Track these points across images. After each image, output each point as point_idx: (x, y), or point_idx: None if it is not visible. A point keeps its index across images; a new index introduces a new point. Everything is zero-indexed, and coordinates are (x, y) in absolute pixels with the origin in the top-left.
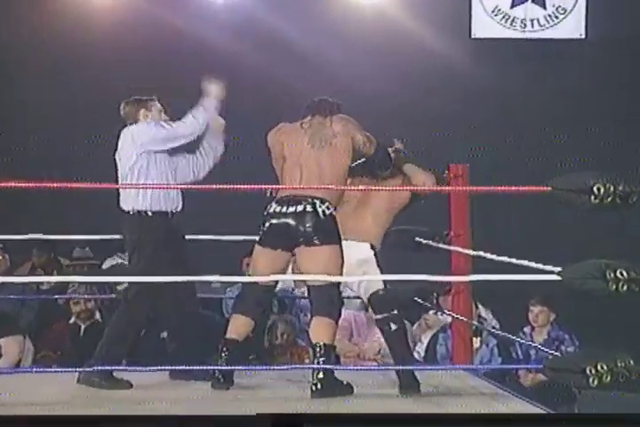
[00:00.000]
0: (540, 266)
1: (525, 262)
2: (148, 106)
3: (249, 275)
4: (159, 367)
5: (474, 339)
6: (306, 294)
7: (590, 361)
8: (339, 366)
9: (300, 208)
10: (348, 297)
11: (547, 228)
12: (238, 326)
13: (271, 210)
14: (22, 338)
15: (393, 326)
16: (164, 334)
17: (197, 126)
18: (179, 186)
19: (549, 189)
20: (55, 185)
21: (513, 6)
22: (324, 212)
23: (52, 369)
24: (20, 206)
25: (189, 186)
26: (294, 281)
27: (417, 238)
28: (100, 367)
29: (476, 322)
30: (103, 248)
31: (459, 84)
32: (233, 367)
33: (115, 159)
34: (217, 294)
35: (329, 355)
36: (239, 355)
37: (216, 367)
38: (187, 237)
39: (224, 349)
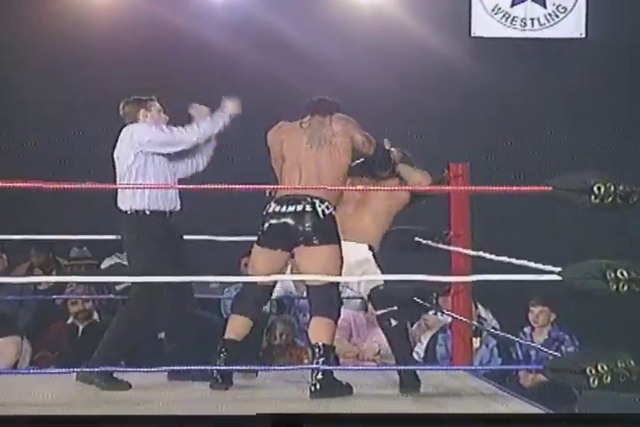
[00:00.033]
0: (541, 266)
1: (525, 262)
2: (148, 106)
3: (247, 275)
4: (157, 368)
5: (473, 339)
6: (304, 294)
7: (590, 362)
8: (338, 367)
9: (299, 208)
10: (348, 297)
11: (547, 227)
12: (237, 327)
13: (270, 210)
14: (20, 339)
15: (393, 322)
16: (162, 335)
17: (198, 136)
18: (177, 186)
19: (550, 188)
20: (53, 186)
21: (513, 5)
22: (323, 211)
23: (50, 370)
24: (19, 206)
25: (188, 186)
26: (294, 284)
27: (416, 238)
28: (97, 368)
29: (475, 322)
30: (101, 248)
31: (458, 83)
32: (231, 368)
33: (113, 157)
34: (215, 295)
35: (328, 355)
36: (238, 355)
37: (214, 368)
38: (185, 237)
39: (222, 349)
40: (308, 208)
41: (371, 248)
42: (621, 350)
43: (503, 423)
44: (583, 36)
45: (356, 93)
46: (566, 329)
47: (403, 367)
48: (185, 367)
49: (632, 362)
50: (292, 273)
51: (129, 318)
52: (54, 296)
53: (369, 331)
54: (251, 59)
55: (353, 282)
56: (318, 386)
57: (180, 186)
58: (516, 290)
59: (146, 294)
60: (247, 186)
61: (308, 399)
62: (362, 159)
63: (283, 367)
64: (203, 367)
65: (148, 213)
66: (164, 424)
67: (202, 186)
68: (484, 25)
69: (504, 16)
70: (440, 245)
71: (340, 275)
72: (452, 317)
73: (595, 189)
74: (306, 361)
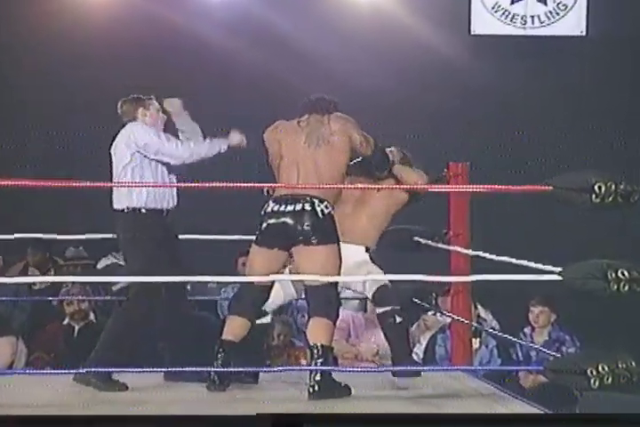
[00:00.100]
0: (541, 266)
1: (526, 262)
2: (146, 105)
3: (244, 275)
4: (154, 369)
5: (473, 340)
6: (303, 295)
7: (591, 362)
8: (336, 368)
9: (298, 207)
10: (346, 298)
11: (547, 227)
12: (234, 328)
13: (268, 209)
14: (15, 339)
15: (398, 319)
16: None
17: (189, 155)
18: (175, 184)
19: (550, 187)
20: (49, 184)
21: (513, 3)
22: (322, 211)
23: (46, 371)
24: (16, 206)
25: (186, 184)
26: (295, 288)
27: (416, 238)
28: (93, 369)
29: (475, 323)
30: (98, 248)
31: (458, 80)
32: (229, 369)
33: (110, 154)
34: (212, 295)
35: (326, 356)
36: (241, 360)
37: (212, 369)
38: (181, 236)
39: (220, 350)
40: (307, 207)
41: (367, 250)
42: (622, 350)
43: (503, 424)
44: (584, 33)
45: (354, 91)
46: (567, 330)
47: (402, 368)
48: (182, 369)
49: (633, 363)
50: (290, 273)
51: (126, 318)
52: (50, 298)
53: (367, 332)
54: (248, 57)
55: (357, 283)
56: (317, 387)
57: (178, 184)
58: (516, 290)
59: (144, 294)
60: (245, 184)
61: (306, 401)
62: (359, 158)
63: (281, 368)
64: (200, 369)
65: (144, 211)
66: (162, 424)
67: (199, 184)
68: (484, 23)
69: (504, 14)
70: (439, 245)
71: (339, 275)
72: (452, 317)
73: (595, 188)
74: (304, 362)
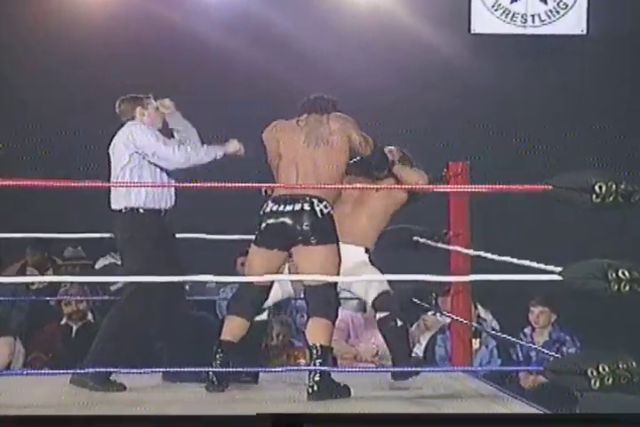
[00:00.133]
0: (541, 266)
1: (526, 262)
2: (144, 104)
3: (243, 275)
4: (152, 369)
5: (473, 340)
6: (302, 295)
7: (592, 363)
8: (335, 368)
9: (297, 207)
10: (345, 298)
11: (547, 227)
12: (233, 328)
13: (267, 209)
14: (13, 340)
15: (399, 323)
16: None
17: (185, 160)
18: (174, 184)
19: (550, 187)
20: (47, 184)
21: (513, 1)
22: (321, 211)
23: (44, 371)
24: (15, 205)
25: (185, 184)
26: (293, 287)
27: (415, 237)
28: (91, 369)
29: (475, 323)
30: (96, 248)
31: (458, 80)
32: (227, 369)
33: (108, 154)
34: (210, 295)
35: (326, 357)
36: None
37: (210, 369)
38: (180, 235)
39: (219, 351)
40: (307, 207)
41: (367, 251)
42: (623, 351)
43: (502, 424)
44: (584, 32)
45: (353, 91)
46: (567, 330)
47: (401, 369)
48: (180, 369)
49: (634, 363)
50: (289, 273)
51: (120, 318)
52: (48, 298)
53: (367, 332)
54: (246, 56)
55: (357, 288)
56: (316, 388)
57: (178, 184)
58: (516, 290)
59: (139, 294)
60: (244, 184)
61: (305, 401)
62: (358, 158)
63: (279, 369)
64: (198, 369)
65: (142, 211)
66: (162, 425)
67: (198, 184)
68: (484, 21)
69: (504, 12)
70: (439, 245)
71: (338, 275)
72: (452, 317)
73: (596, 187)
74: (303, 362)
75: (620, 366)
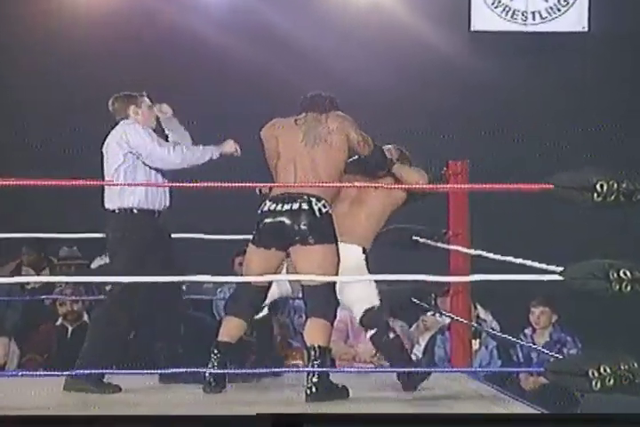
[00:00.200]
0: (542, 266)
1: (526, 262)
2: (138, 102)
3: (241, 275)
4: (149, 371)
5: (473, 341)
6: (300, 295)
7: (593, 364)
8: (334, 369)
9: (295, 206)
10: None
11: (548, 226)
12: (231, 329)
13: (265, 208)
14: (7, 340)
15: (391, 335)
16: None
17: (181, 161)
18: (171, 184)
19: (551, 186)
20: (43, 183)
21: None
22: (320, 210)
23: (39, 373)
24: (13, 205)
25: (181, 184)
26: (291, 286)
27: (415, 237)
28: (87, 371)
29: (474, 323)
30: (92, 248)
31: (458, 77)
32: (225, 371)
33: (102, 153)
34: (208, 295)
35: (324, 358)
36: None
37: (208, 370)
38: (178, 235)
39: (216, 351)
40: (305, 206)
41: (364, 251)
42: (624, 351)
43: (502, 424)
44: (586, 29)
45: (353, 89)
46: (568, 331)
47: (400, 370)
48: (177, 370)
49: (635, 364)
50: (287, 273)
51: (107, 319)
52: (43, 297)
53: (366, 332)
54: (246, 54)
55: (347, 301)
56: (314, 389)
57: (175, 184)
58: (516, 290)
59: (125, 294)
60: (242, 184)
61: (303, 402)
62: (356, 156)
63: (278, 369)
64: (195, 370)
65: (136, 211)
66: (161, 425)
67: (195, 184)
68: (484, 19)
69: (504, 9)
70: (439, 245)
71: (337, 275)
72: (451, 318)
73: (597, 186)
74: (301, 363)
75: (622, 366)
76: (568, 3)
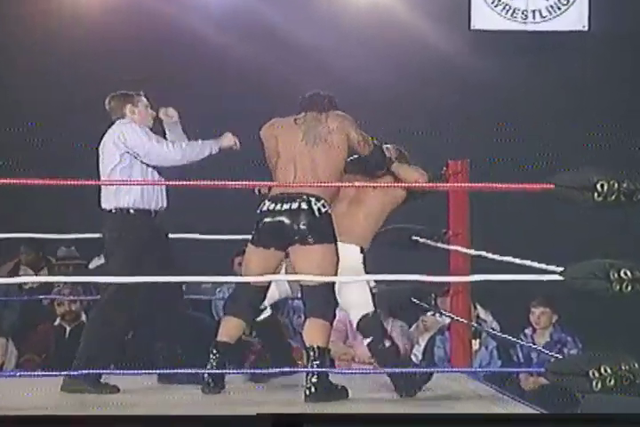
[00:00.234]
0: (542, 266)
1: (527, 262)
2: (135, 101)
3: (241, 275)
4: (146, 371)
5: (473, 341)
6: (299, 295)
7: (593, 364)
8: (333, 370)
9: (294, 206)
10: None
11: (548, 226)
12: (230, 329)
13: (264, 207)
14: (5, 340)
15: (386, 343)
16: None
17: (182, 157)
18: (169, 182)
19: (552, 186)
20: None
21: None
22: (319, 210)
23: (37, 373)
24: (11, 204)
25: (180, 183)
26: (290, 288)
27: (414, 237)
28: (85, 371)
29: (474, 324)
30: (90, 248)
31: (457, 76)
32: (223, 371)
33: (97, 153)
34: (207, 295)
35: (323, 358)
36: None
37: (206, 371)
38: (177, 236)
39: (214, 352)
40: (304, 206)
41: (362, 250)
42: (625, 352)
43: (502, 424)
44: (586, 28)
45: (352, 87)
46: (569, 331)
47: (400, 370)
48: (175, 371)
49: (636, 365)
50: (286, 273)
51: (102, 319)
52: (41, 297)
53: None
54: (244, 51)
55: (344, 303)
56: (313, 389)
57: (173, 183)
58: (516, 290)
59: (121, 294)
60: (241, 183)
61: (302, 403)
62: (355, 156)
63: (276, 370)
64: (194, 371)
65: (132, 211)
66: (161, 425)
67: (193, 183)
68: (484, 17)
69: (504, 8)
70: (439, 245)
71: (336, 275)
72: (451, 318)
73: (598, 186)
74: (300, 364)
75: (622, 367)
76: (568, 1)
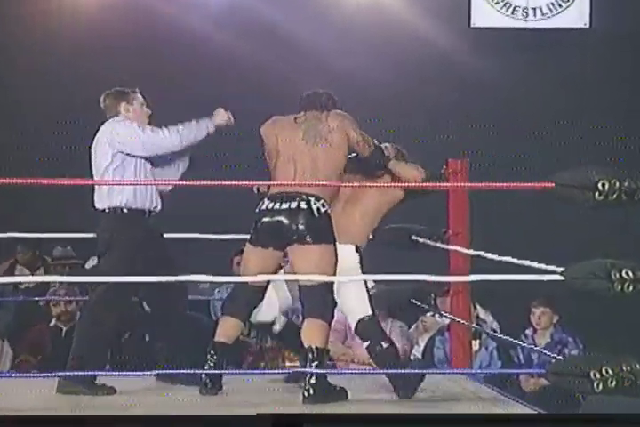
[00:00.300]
0: (542, 266)
1: (527, 262)
2: (130, 99)
3: (239, 275)
4: (144, 372)
5: (473, 342)
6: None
7: (595, 365)
8: (332, 371)
9: (293, 205)
10: None
11: (548, 225)
12: (227, 329)
13: (263, 207)
14: (0, 341)
15: (384, 345)
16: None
17: (181, 141)
18: (168, 181)
19: (552, 185)
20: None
21: None
22: (318, 209)
23: (32, 374)
24: (10, 204)
25: (179, 182)
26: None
27: (414, 237)
28: (81, 372)
29: (474, 324)
30: (86, 247)
31: (457, 74)
32: (222, 371)
33: (90, 153)
34: (205, 295)
35: (322, 359)
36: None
37: (204, 371)
38: (176, 235)
39: (212, 352)
40: (303, 206)
41: (358, 249)
42: (626, 352)
43: (502, 424)
44: (587, 26)
45: (351, 85)
46: (569, 331)
47: (400, 371)
48: (173, 371)
49: (637, 365)
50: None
51: (91, 319)
52: (36, 298)
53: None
54: (244, 49)
55: (342, 306)
56: (312, 391)
57: (173, 182)
58: (517, 291)
59: (110, 294)
60: (240, 183)
61: (301, 404)
62: (354, 155)
63: (275, 371)
64: (192, 371)
65: (125, 211)
66: (161, 424)
67: (192, 182)
68: (484, 15)
69: (505, 5)
70: (438, 244)
71: (335, 275)
72: (451, 318)
73: (599, 185)
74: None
75: (624, 368)
76: None
